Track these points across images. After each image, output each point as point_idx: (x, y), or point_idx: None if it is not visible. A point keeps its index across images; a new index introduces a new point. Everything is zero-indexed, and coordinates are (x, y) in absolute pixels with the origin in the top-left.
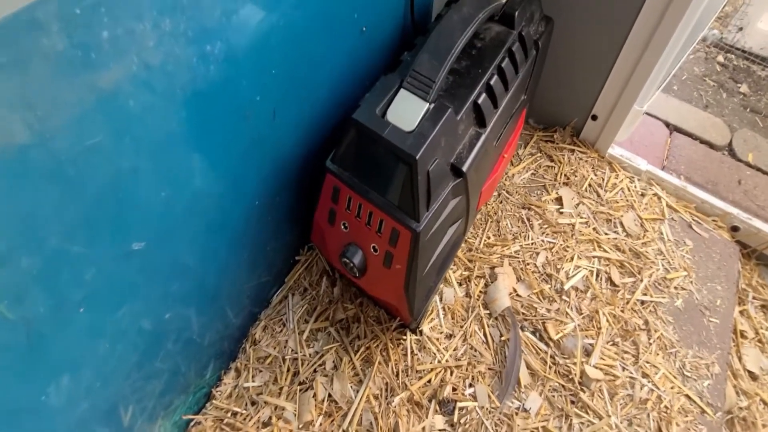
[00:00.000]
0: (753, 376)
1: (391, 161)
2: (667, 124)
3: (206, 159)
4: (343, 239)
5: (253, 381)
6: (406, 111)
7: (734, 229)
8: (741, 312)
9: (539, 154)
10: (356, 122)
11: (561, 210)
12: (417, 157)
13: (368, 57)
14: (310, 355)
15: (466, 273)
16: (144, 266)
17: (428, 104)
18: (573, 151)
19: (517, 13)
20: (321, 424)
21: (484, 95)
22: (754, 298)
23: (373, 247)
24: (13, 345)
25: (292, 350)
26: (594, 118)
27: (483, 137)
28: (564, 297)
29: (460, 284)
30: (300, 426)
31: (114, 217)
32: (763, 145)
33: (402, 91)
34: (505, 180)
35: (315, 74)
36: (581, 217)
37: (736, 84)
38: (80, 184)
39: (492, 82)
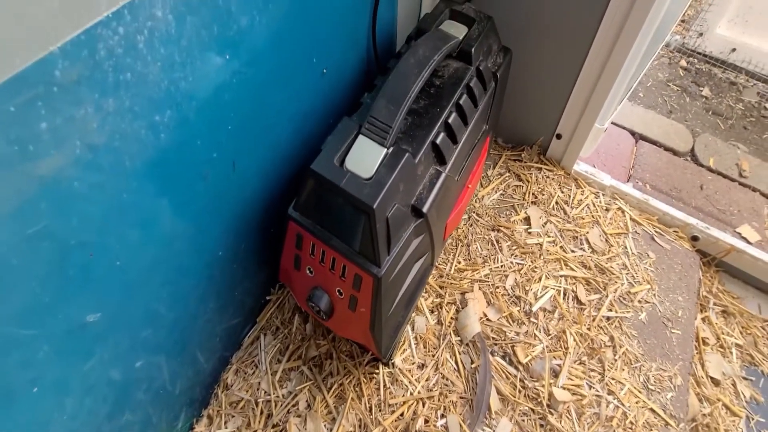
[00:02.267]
0: (715, 382)
1: (350, 210)
2: (633, 133)
3: (164, 222)
4: (309, 283)
5: (225, 427)
6: (364, 158)
7: (694, 238)
8: (703, 319)
9: (508, 174)
10: (314, 173)
11: (529, 230)
12: (374, 207)
13: (330, 97)
14: (283, 395)
15: (438, 300)
16: (102, 332)
17: (386, 149)
18: (540, 169)
19: (473, 50)
20: None
21: (442, 134)
22: (714, 304)
23: (338, 290)
24: None
25: (265, 392)
26: (558, 137)
27: (443, 175)
28: (532, 319)
29: (431, 311)
30: None
31: (65, 295)
32: (723, 150)
33: (360, 138)
34: (475, 202)
35: (275, 122)
36: (548, 236)
37: (699, 87)
38: (26, 270)
39: (450, 120)
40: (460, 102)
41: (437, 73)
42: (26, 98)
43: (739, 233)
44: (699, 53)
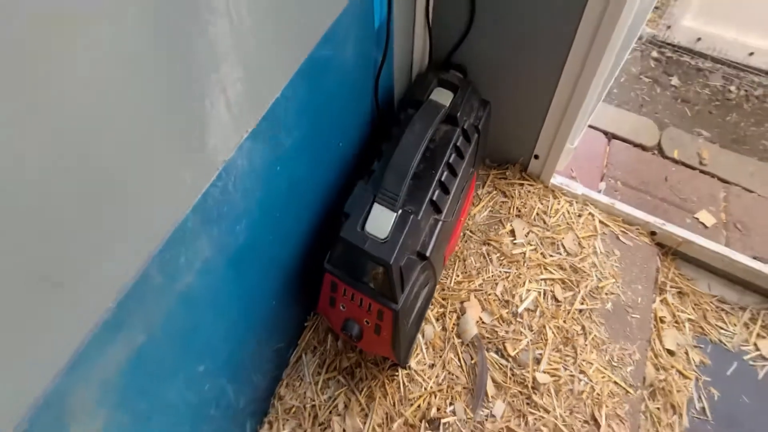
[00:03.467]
0: (671, 353)
1: (372, 264)
2: (606, 133)
3: (239, 291)
4: (343, 316)
5: (284, 430)
6: (380, 222)
7: (653, 234)
8: (661, 301)
9: (495, 191)
10: (343, 239)
11: (514, 241)
12: (391, 262)
13: (344, 161)
14: (324, 400)
15: (441, 310)
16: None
17: (395, 213)
18: (522, 184)
19: (459, 114)
20: None
21: (438, 191)
22: (671, 287)
23: (366, 321)
24: None
25: (311, 399)
26: (536, 157)
27: (440, 223)
28: (518, 318)
29: (437, 320)
30: None
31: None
32: (686, 141)
33: (375, 206)
34: (469, 220)
35: (305, 195)
36: (530, 245)
37: (669, 77)
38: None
39: (443, 179)
40: (450, 161)
41: (431, 138)
42: (173, 251)
43: (697, 218)
44: (668, 44)
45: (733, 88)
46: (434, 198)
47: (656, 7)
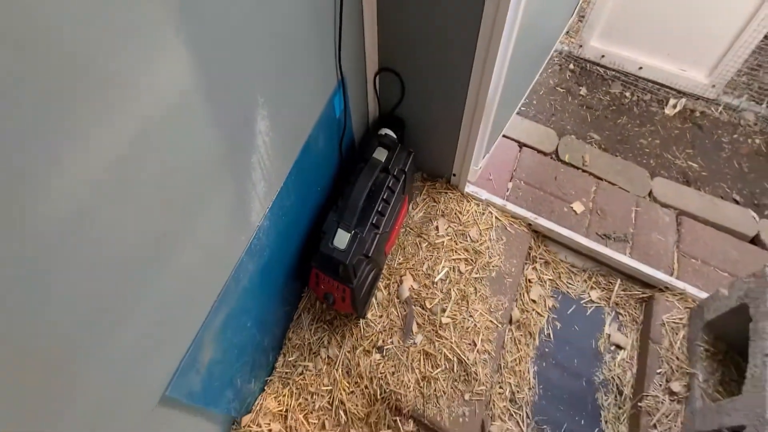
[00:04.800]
0: (534, 301)
1: (338, 264)
2: (519, 143)
3: (267, 283)
4: (323, 291)
5: (291, 357)
6: (341, 239)
7: (529, 225)
8: (532, 268)
9: (428, 198)
10: (321, 252)
11: (438, 233)
12: (346, 262)
13: (319, 198)
14: (316, 339)
15: (387, 281)
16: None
17: (350, 234)
18: (446, 193)
19: (390, 166)
20: (326, 368)
21: (377, 217)
22: (539, 258)
23: (336, 294)
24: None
25: (308, 339)
26: (454, 175)
27: (378, 235)
28: (436, 285)
29: (385, 288)
30: (318, 370)
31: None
32: (577, 147)
33: (339, 230)
34: (409, 219)
35: (299, 222)
36: (448, 236)
37: (579, 87)
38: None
39: (380, 209)
40: (384, 197)
41: (373, 183)
42: (240, 265)
43: (572, 207)
44: (581, 59)
45: (628, 94)
46: (374, 222)
47: (569, 31)
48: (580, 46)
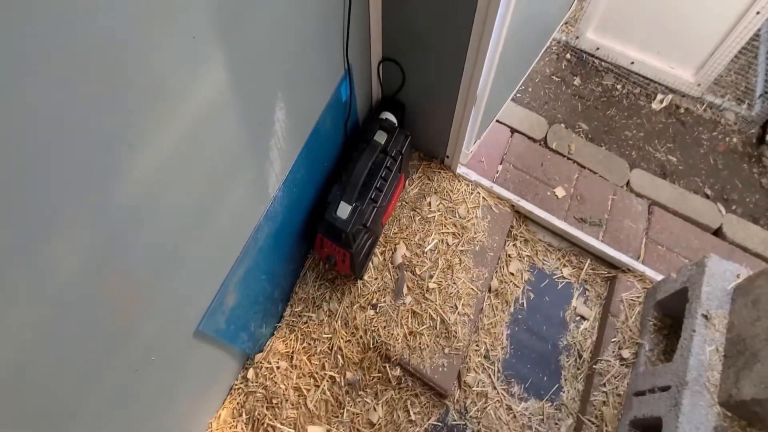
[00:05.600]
0: (512, 274)
1: (339, 231)
2: (510, 128)
3: (279, 244)
4: (326, 253)
5: (297, 308)
6: (343, 210)
7: (512, 206)
8: (513, 245)
9: (423, 176)
10: (326, 220)
11: (430, 209)
12: (347, 231)
13: (326, 171)
14: (319, 295)
15: (383, 248)
16: (257, 276)
17: (351, 206)
18: (440, 172)
19: (388, 148)
20: (327, 319)
21: (375, 192)
22: (519, 236)
23: (339, 257)
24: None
25: (312, 294)
26: (447, 156)
27: (376, 208)
28: (426, 254)
29: (381, 254)
30: (320, 320)
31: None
32: (564, 135)
33: (342, 202)
34: (405, 194)
35: (307, 192)
36: (439, 211)
37: (573, 77)
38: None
39: (378, 185)
40: (382, 176)
41: (373, 162)
42: (259, 228)
43: (554, 192)
44: (577, 49)
45: (619, 86)
46: (372, 197)
47: (569, 20)
48: (577, 37)
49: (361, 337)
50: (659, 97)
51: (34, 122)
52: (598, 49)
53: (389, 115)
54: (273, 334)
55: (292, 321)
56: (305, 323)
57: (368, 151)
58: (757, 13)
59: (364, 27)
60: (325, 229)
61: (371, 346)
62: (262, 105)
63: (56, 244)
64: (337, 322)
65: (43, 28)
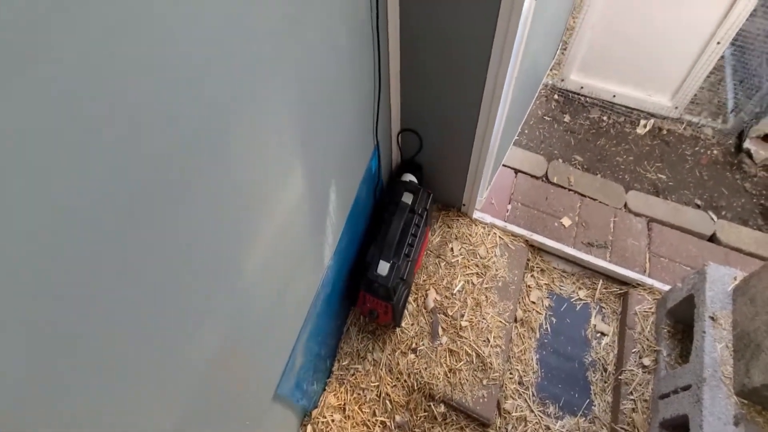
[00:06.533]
0: (533, 303)
1: (381, 287)
2: (514, 170)
3: (329, 305)
4: (368, 308)
5: (344, 362)
6: (383, 268)
7: (526, 241)
8: (531, 276)
9: (443, 225)
10: (367, 278)
11: (453, 254)
12: (388, 286)
13: (361, 231)
14: (362, 347)
15: (416, 296)
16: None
17: (389, 263)
18: (458, 219)
19: (415, 207)
20: (372, 368)
21: (407, 248)
22: (536, 267)
23: (381, 309)
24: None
25: (356, 346)
26: (464, 204)
27: (409, 261)
28: (454, 295)
29: (414, 301)
30: (366, 370)
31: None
32: (563, 170)
33: (381, 261)
34: (430, 244)
35: (348, 253)
36: (461, 255)
37: (563, 115)
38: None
39: (409, 242)
40: (412, 233)
41: (404, 222)
42: (318, 292)
43: (561, 222)
44: (563, 90)
45: (605, 118)
46: (405, 252)
47: (554, 67)
48: (563, 79)
49: (405, 381)
50: (642, 122)
51: (198, 239)
52: (582, 87)
53: (411, 177)
54: (324, 389)
55: (341, 374)
56: (353, 375)
57: (399, 213)
58: (718, 43)
59: (387, 107)
60: (367, 287)
61: (415, 388)
62: (323, 194)
63: (207, 324)
64: (381, 369)
65: (192, 173)
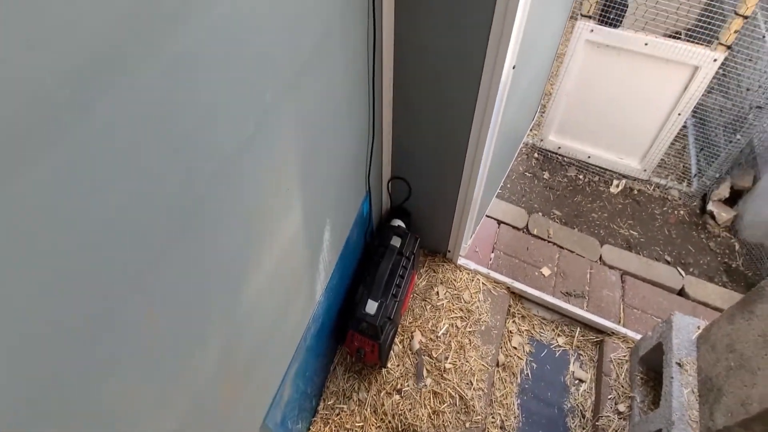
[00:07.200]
0: (515, 348)
1: (369, 325)
2: (497, 221)
3: (318, 342)
4: (356, 347)
5: (330, 401)
6: (371, 307)
7: (508, 288)
8: (513, 321)
9: (429, 270)
10: (356, 317)
11: (438, 298)
12: (376, 324)
13: (351, 273)
14: (348, 386)
15: (401, 337)
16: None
17: (377, 302)
18: (443, 264)
19: (403, 250)
20: (357, 408)
21: (395, 288)
22: (517, 313)
23: (368, 348)
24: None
25: (342, 385)
26: (449, 251)
27: (396, 301)
28: (439, 338)
29: (400, 342)
30: (351, 410)
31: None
32: (542, 222)
33: (369, 300)
34: (416, 287)
35: (338, 293)
36: (446, 299)
37: (542, 172)
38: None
39: (397, 283)
40: (400, 274)
41: (392, 264)
42: (308, 326)
43: (541, 272)
44: (543, 149)
45: (581, 176)
46: (393, 293)
47: (534, 128)
48: (542, 139)
49: (390, 422)
50: (615, 182)
51: (207, 272)
52: (559, 147)
53: (400, 222)
54: (309, 429)
55: (326, 414)
56: (338, 415)
57: (388, 255)
58: (679, 114)
59: (379, 156)
60: (355, 325)
61: (400, 429)
62: (318, 231)
63: (210, 341)
64: (366, 410)
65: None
